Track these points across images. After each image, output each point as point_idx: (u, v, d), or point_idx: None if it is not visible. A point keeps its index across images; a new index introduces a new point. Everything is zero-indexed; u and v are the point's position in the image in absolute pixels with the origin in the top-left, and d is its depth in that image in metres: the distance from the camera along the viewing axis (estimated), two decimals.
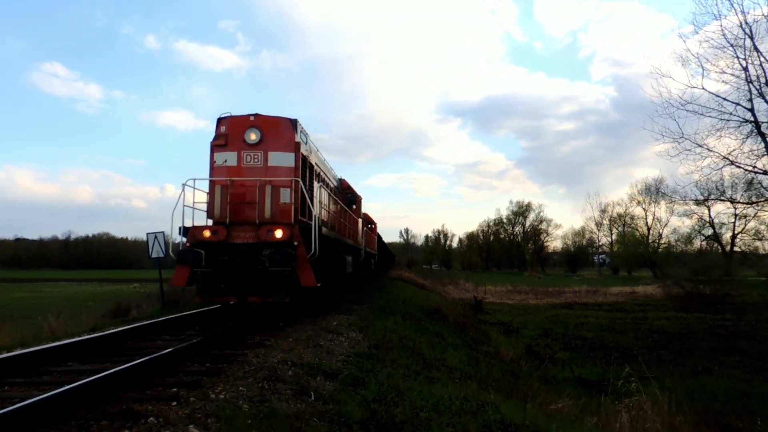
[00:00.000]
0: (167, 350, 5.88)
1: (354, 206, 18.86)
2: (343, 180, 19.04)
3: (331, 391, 5.39)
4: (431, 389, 6.34)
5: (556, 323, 24.34)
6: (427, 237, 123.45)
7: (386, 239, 60.28)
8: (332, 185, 15.40)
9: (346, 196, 18.46)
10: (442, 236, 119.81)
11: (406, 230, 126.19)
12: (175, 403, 4.20)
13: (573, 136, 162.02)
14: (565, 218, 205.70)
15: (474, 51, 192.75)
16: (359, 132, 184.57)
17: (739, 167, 21.33)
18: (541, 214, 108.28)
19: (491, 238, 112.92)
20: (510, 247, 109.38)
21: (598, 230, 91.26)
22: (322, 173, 13.14)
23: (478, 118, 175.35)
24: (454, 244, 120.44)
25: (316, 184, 11.29)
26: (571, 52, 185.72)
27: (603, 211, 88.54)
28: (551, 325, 23.72)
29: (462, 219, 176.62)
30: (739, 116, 20.27)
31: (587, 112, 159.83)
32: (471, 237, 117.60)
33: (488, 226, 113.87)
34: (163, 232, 13.71)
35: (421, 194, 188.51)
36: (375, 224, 30.72)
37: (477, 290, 40.47)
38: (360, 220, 20.40)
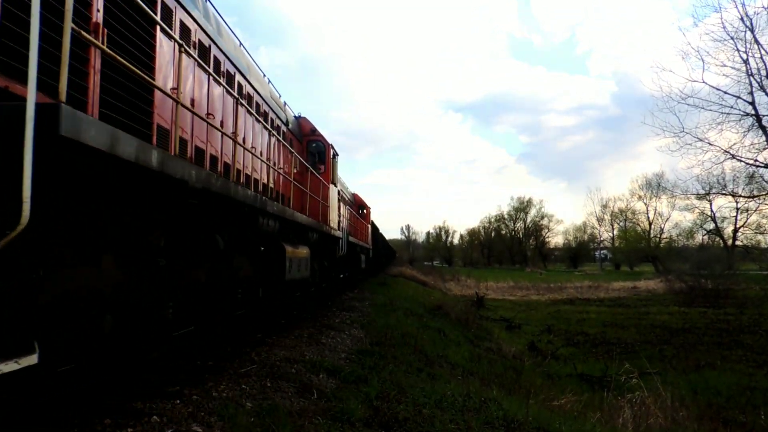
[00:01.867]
0: None
1: (317, 161, 12.08)
2: (303, 119, 12.18)
3: (333, 388, 5.39)
4: (434, 386, 6.34)
5: (558, 319, 24.32)
6: (428, 233, 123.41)
7: (387, 236, 60.30)
8: (269, 112, 9.00)
9: (305, 144, 11.87)
10: (443, 233, 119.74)
11: (407, 227, 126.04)
12: (178, 401, 4.20)
13: (573, 131, 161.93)
14: (566, 214, 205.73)
15: (473, 46, 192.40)
16: (358, 128, 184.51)
17: (741, 161, 21.38)
18: (542, 209, 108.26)
19: (492, 234, 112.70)
20: (511, 243, 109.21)
21: (600, 225, 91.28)
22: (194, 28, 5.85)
23: (478, 113, 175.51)
24: (455, 241, 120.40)
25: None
26: (570, 47, 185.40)
27: (604, 206, 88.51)
28: (553, 321, 23.70)
29: (463, 215, 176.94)
30: (739, 109, 20.29)
31: (587, 106, 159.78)
32: (472, 233, 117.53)
33: (489, 222, 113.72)
34: None
35: (422, 190, 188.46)
36: (368, 209, 24.45)
37: (478, 286, 40.42)
38: (335, 190, 13.30)
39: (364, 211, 23.38)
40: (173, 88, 4.88)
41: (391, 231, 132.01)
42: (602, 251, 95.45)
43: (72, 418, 3.70)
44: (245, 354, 6.17)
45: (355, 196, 22.24)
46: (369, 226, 24.26)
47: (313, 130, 12.29)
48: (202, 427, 3.73)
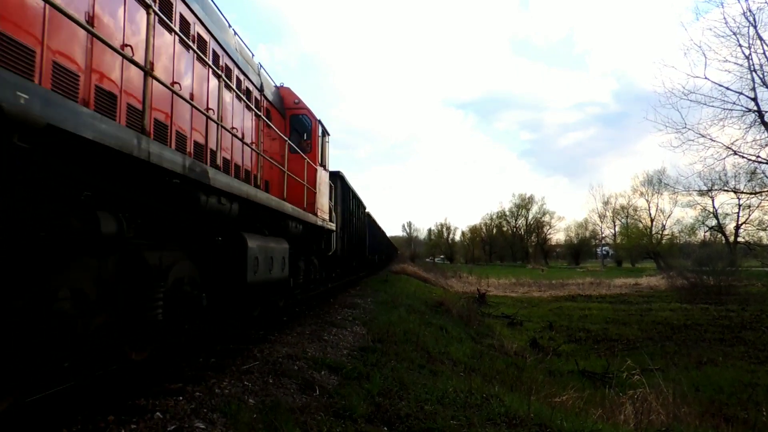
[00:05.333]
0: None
1: None
2: None
3: (335, 385, 5.41)
4: (436, 383, 6.35)
5: (560, 316, 24.32)
6: (429, 230, 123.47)
7: (389, 233, 60.28)
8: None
9: None
10: (444, 229, 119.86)
11: (409, 224, 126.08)
12: (181, 398, 4.21)
13: (574, 127, 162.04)
14: (567, 210, 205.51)
15: (474, 43, 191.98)
16: (358, 126, 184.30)
17: (743, 157, 21.28)
18: (544, 206, 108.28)
19: (494, 230, 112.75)
20: (513, 240, 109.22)
21: (602, 222, 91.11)
22: None
23: (479, 110, 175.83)
24: (457, 237, 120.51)
25: None
26: (570, 44, 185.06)
27: (606, 202, 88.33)
28: (555, 317, 23.69)
29: (464, 212, 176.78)
30: (742, 106, 20.16)
31: (587, 103, 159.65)
32: (474, 230, 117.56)
33: (491, 218, 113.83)
34: None
35: (423, 187, 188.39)
36: (317, 133, 11.12)
37: (480, 283, 40.46)
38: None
39: (308, 137, 10.99)
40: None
41: (392, 228, 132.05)
42: (604, 248, 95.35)
43: (75, 414, 3.71)
44: (247, 350, 6.18)
45: (281, 89, 10.74)
46: (323, 173, 11.95)
47: None
48: (205, 424, 3.75)
